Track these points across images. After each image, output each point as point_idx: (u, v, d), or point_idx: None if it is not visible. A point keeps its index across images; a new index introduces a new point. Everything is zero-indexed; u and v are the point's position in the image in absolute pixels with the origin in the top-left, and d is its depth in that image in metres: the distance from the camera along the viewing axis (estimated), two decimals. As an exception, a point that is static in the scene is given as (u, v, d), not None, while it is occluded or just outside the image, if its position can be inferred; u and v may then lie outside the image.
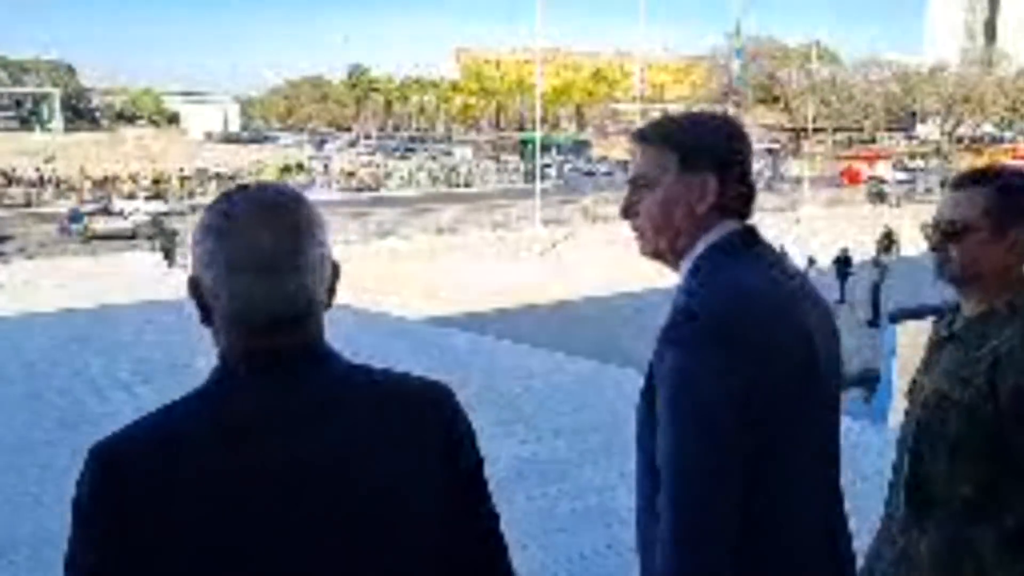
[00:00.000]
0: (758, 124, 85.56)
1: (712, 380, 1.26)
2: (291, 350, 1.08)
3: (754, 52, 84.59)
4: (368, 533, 1.05)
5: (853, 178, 54.85)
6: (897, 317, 22.94)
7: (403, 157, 74.63)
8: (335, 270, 1.14)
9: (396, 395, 1.13)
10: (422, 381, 1.18)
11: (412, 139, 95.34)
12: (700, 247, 1.41)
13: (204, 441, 1.02)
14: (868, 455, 5.05)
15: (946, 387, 1.64)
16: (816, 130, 75.78)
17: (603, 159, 71.75)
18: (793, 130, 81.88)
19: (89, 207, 37.82)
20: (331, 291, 1.14)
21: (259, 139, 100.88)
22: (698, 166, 1.40)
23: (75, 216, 34.00)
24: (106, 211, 36.33)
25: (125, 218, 34.59)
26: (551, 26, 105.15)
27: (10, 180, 50.10)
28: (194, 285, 1.10)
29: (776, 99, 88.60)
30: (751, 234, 1.43)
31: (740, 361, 1.26)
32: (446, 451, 1.13)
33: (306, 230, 1.08)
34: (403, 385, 1.16)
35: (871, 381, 19.23)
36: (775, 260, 1.43)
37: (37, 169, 53.21)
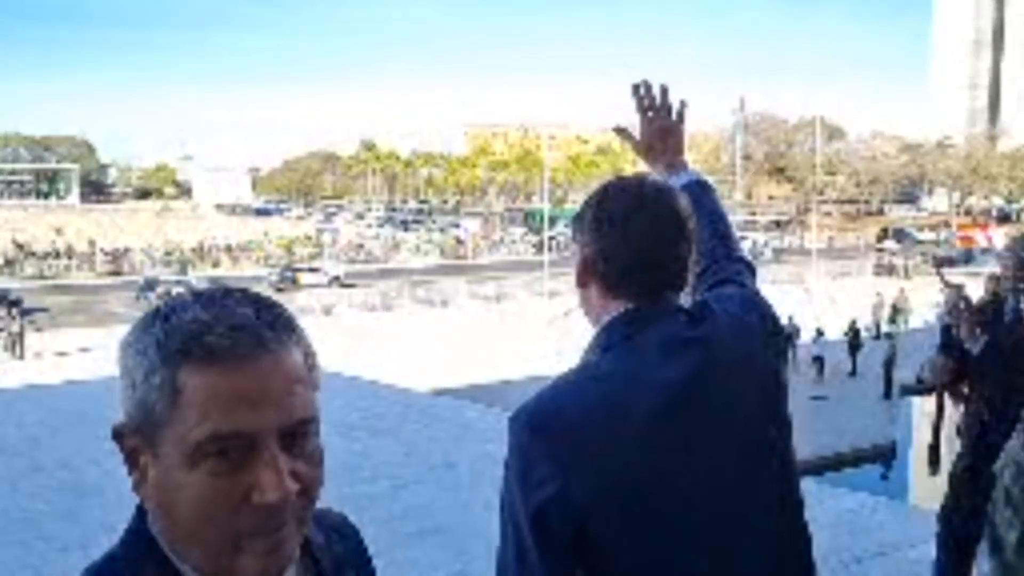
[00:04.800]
0: (766, 196, 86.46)
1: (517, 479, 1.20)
2: None
3: (759, 126, 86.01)
4: None
5: (967, 243, 56.45)
6: (911, 390, 22.65)
7: (411, 229, 75.37)
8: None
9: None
10: (338, 514, 1.03)
11: (420, 211, 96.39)
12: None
13: None
14: (885, 533, 4.90)
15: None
16: (822, 202, 76.46)
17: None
18: (803, 207, 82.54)
19: (165, 276, 37.92)
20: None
21: (269, 211, 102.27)
22: (577, 236, 1.36)
23: (150, 284, 34.60)
24: (180, 284, 35.60)
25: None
26: (558, 102, 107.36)
27: (25, 252, 50.71)
28: None
29: (782, 172, 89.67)
30: (635, 318, 1.29)
31: (553, 463, 1.18)
32: None
33: None
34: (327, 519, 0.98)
35: (886, 455, 18.91)
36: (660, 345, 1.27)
37: (53, 242, 53.90)
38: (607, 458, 1.18)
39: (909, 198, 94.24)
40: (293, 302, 34.51)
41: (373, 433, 7.86)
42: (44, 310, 32.26)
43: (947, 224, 77.07)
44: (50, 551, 4.94)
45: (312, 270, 42.92)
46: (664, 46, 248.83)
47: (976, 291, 3.80)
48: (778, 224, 75.62)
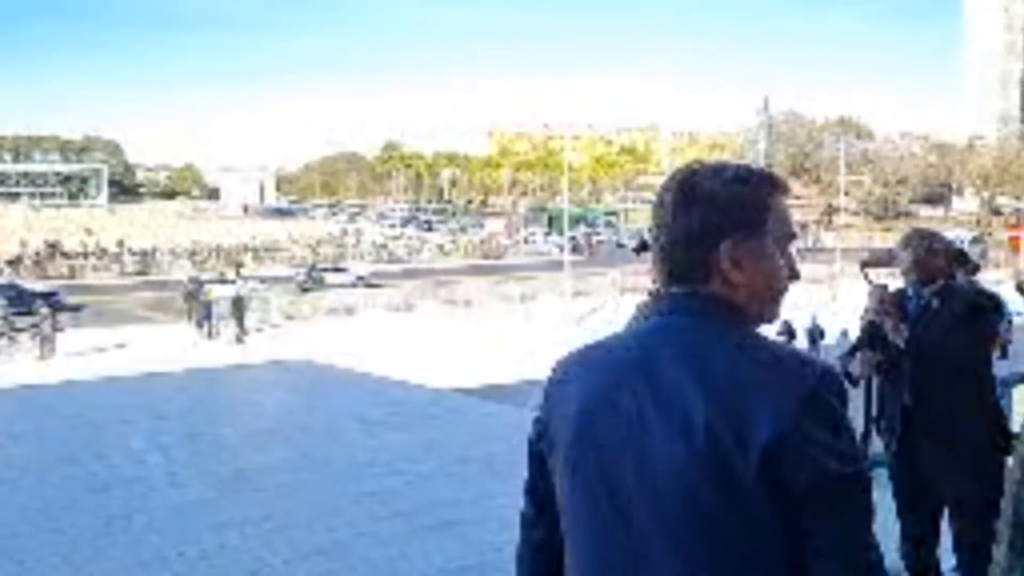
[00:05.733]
0: (791, 197, 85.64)
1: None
2: None
3: (784, 126, 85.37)
4: None
5: (1016, 245, 55.68)
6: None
7: (434, 229, 75.59)
8: None
9: None
10: None
11: (443, 212, 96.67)
12: None
13: None
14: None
15: None
16: (849, 203, 75.74)
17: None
18: (829, 208, 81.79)
19: (206, 276, 37.97)
20: None
21: (294, 212, 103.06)
22: None
23: (194, 286, 34.67)
24: (222, 282, 33.96)
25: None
26: (582, 103, 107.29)
27: (56, 252, 51.46)
28: None
29: (807, 172, 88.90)
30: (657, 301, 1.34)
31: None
32: None
33: None
34: None
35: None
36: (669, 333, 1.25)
37: (83, 243, 54.64)
38: (559, 414, 1.31)
39: (938, 199, 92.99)
40: (319, 302, 34.78)
41: (393, 429, 7.92)
42: (77, 309, 32.69)
43: (979, 222, 75.97)
44: (81, 537, 5.03)
45: (337, 270, 43.25)
46: (689, 45, 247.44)
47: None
48: (803, 225, 75.08)
